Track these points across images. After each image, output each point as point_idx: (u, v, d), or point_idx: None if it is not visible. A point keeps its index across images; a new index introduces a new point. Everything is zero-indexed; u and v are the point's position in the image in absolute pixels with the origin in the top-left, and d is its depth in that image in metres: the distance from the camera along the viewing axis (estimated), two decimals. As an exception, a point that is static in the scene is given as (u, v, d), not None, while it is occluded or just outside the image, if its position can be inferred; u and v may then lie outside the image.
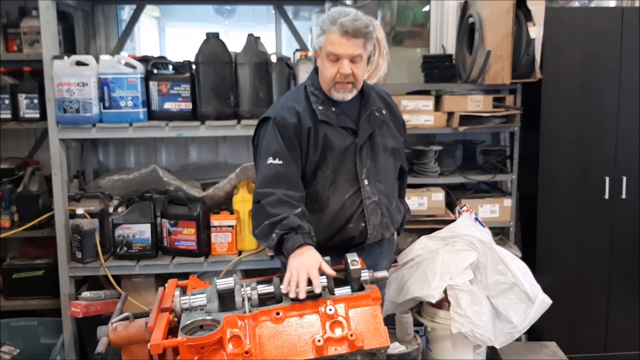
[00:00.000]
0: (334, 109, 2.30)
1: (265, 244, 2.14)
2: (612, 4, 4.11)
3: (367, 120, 2.34)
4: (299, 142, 2.27)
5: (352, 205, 2.31)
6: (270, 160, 2.22)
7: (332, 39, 2.18)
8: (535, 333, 3.50)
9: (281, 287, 1.80)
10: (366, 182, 2.33)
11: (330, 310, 1.68)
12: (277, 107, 2.38)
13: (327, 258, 1.87)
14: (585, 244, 3.63)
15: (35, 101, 3.43)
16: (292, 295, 1.79)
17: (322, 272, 1.88)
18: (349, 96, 2.29)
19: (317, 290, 1.80)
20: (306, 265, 1.87)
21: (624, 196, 3.58)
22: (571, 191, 3.59)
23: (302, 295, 1.79)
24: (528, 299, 3.04)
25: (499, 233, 3.71)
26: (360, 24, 2.16)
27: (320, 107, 2.29)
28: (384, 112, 2.41)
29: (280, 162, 2.22)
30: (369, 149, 2.35)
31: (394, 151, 2.45)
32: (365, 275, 1.83)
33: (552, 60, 3.45)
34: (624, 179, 3.57)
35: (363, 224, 2.32)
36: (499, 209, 3.58)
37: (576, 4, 3.98)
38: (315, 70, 2.39)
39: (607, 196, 3.58)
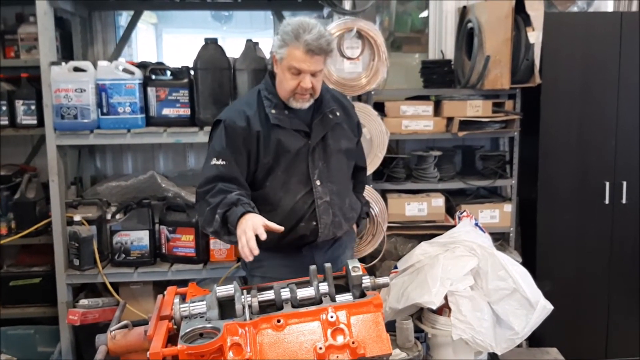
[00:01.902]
0: (286, 112, 2.37)
1: (211, 230, 2.24)
2: (610, 8, 4.11)
3: (320, 123, 2.40)
4: (246, 146, 2.34)
5: (303, 205, 2.38)
6: (213, 161, 2.31)
7: (296, 54, 2.23)
8: (537, 339, 3.48)
9: (282, 292, 1.78)
10: (318, 182, 2.39)
11: (331, 317, 1.66)
12: (230, 110, 2.46)
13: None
14: (586, 249, 3.62)
15: (33, 107, 3.41)
16: (248, 257, 1.96)
17: (268, 229, 2.00)
18: (306, 105, 2.36)
19: (263, 237, 1.96)
20: (249, 225, 2.01)
21: (624, 201, 3.57)
22: (571, 196, 3.58)
23: (255, 252, 1.95)
24: (529, 305, 3.02)
25: (499, 238, 3.69)
26: (324, 43, 2.23)
27: (273, 111, 2.35)
28: (337, 114, 2.46)
29: (223, 162, 2.30)
30: (321, 150, 2.41)
31: (348, 152, 2.51)
32: (366, 281, 1.81)
33: (552, 65, 3.44)
34: (624, 183, 3.56)
35: (314, 223, 2.39)
36: (499, 214, 3.57)
37: (575, 9, 3.99)
38: (270, 74, 2.45)
39: (607, 201, 3.57)
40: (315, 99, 2.40)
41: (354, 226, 2.70)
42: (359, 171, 2.71)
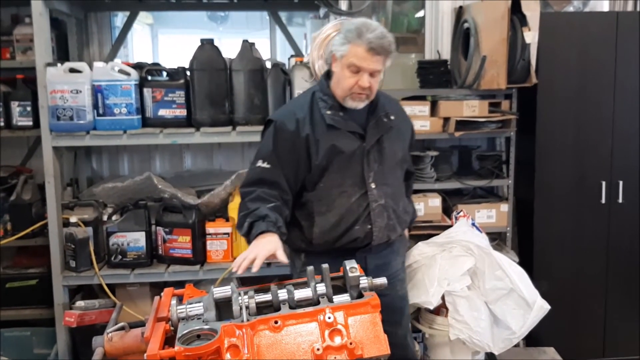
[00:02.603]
0: (342, 114, 2.38)
1: (241, 234, 2.28)
2: (606, 8, 4.12)
3: (375, 126, 2.41)
4: (295, 150, 2.35)
5: (358, 207, 2.39)
6: (259, 163, 2.35)
7: (358, 52, 2.25)
8: (534, 339, 3.49)
9: (279, 293, 1.77)
10: (373, 185, 2.40)
11: (329, 318, 1.66)
12: (282, 110, 2.50)
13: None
14: (582, 249, 3.63)
15: (29, 109, 3.40)
16: (234, 269, 2.00)
17: (273, 259, 2.07)
18: (361, 105, 2.37)
19: (254, 269, 1.98)
20: (258, 248, 2.07)
21: (620, 200, 3.58)
22: (568, 196, 3.59)
23: (240, 271, 1.98)
24: (526, 305, 3.03)
25: (496, 238, 3.69)
26: (386, 43, 2.26)
27: (329, 112, 2.36)
28: (392, 117, 2.47)
29: (268, 165, 2.34)
30: (376, 153, 2.42)
31: (402, 155, 2.54)
32: (364, 282, 1.81)
33: (548, 65, 3.45)
34: (621, 183, 3.57)
35: (369, 226, 2.39)
36: (495, 214, 3.57)
37: (571, 9, 3.99)
38: (325, 75, 2.46)
39: (603, 200, 3.58)
40: (371, 101, 2.41)
41: (406, 231, 2.72)
42: (410, 175, 2.74)
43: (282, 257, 2.08)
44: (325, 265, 1.83)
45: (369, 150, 2.40)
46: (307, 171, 2.38)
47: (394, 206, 2.47)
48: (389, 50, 2.28)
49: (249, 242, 2.20)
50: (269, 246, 2.08)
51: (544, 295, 3.07)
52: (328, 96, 2.39)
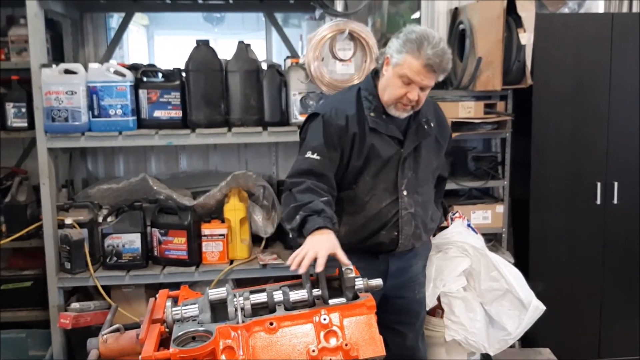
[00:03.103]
0: (384, 117, 2.35)
1: (289, 227, 2.16)
2: (601, 9, 4.13)
3: (414, 132, 2.38)
4: (342, 144, 2.32)
5: (387, 213, 2.36)
6: (308, 154, 2.28)
7: (413, 65, 2.19)
8: (529, 339, 3.49)
9: (275, 294, 1.77)
10: (405, 192, 2.37)
11: (324, 319, 1.66)
12: (328, 105, 2.43)
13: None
14: (578, 250, 3.63)
15: (23, 110, 3.39)
16: (293, 267, 1.87)
17: (334, 257, 1.90)
18: (404, 115, 2.34)
19: (318, 269, 1.82)
20: (318, 245, 1.92)
21: (615, 201, 3.59)
22: (563, 197, 3.59)
23: (301, 270, 1.84)
24: (522, 306, 3.04)
25: (492, 239, 3.70)
26: (445, 61, 2.20)
27: (372, 114, 2.33)
28: (432, 124, 2.43)
29: (318, 157, 2.27)
30: (412, 160, 2.39)
31: (436, 164, 2.50)
32: (359, 283, 1.81)
33: (543, 66, 3.45)
34: (616, 184, 3.58)
35: (395, 233, 2.37)
36: (491, 215, 3.58)
37: (566, 10, 4.00)
38: (374, 73, 2.43)
39: (599, 201, 3.58)
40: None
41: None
42: (442, 181, 2.71)
43: (344, 258, 1.91)
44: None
45: (406, 158, 2.37)
46: (344, 170, 2.35)
47: (423, 215, 2.43)
48: (445, 69, 2.22)
49: (299, 236, 2.08)
50: (328, 244, 1.94)
51: (539, 296, 3.07)
52: (373, 96, 2.35)
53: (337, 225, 2.12)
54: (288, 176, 2.31)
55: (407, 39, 2.22)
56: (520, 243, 3.73)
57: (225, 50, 3.52)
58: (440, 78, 2.28)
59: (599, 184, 3.58)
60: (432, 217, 2.52)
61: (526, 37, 3.32)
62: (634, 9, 4.06)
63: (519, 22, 3.33)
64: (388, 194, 2.36)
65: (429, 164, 2.45)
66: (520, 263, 3.40)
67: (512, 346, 3.35)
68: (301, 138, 2.46)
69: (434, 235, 2.78)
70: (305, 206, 2.08)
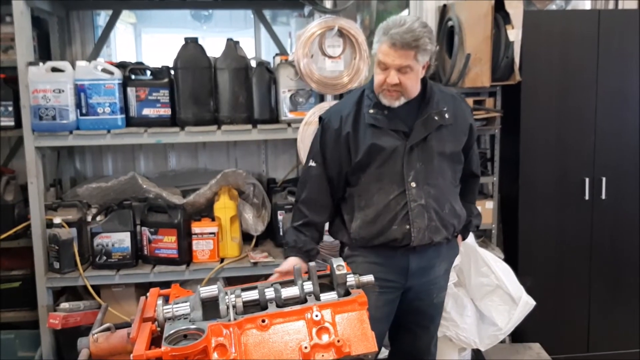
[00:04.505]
0: (386, 112, 2.37)
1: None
2: (588, 6, 4.16)
3: (422, 124, 2.37)
4: (337, 146, 2.42)
5: (396, 206, 2.35)
6: (310, 163, 2.48)
7: (383, 48, 2.27)
8: (519, 335, 3.51)
9: (266, 292, 1.77)
10: (413, 184, 2.35)
11: (316, 316, 1.65)
12: (332, 108, 2.56)
13: (313, 263, 1.85)
14: (567, 245, 3.65)
15: (10, 109, 3.35)
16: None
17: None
18: (396, 103, 2.34)
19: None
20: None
21: (603, 196, 3.61)
22: (552, 192, 3.61)
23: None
24: (512, 301, 3.06)
25: (481, 235, 3.72)
26: (410, 37, 2.22)
27: (371, 111, 2.37)
28: (446, 115, 2.41)
29: (315, 164, 2.46)
30: (420, 151, 2.37)
31: (453, 155, 2.46)
32: (351, 280, 1.80)
33: (531, 63, 3.47)
34: (603, 179, 3.60)
35: (407, 227, 2.34)
36: (480, 211, 3.58)
37: (553, 7, 4.02)
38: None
39: (587, 197, 3.61)
40: (422, 98, 2.39)
41: (459, 237, 2.63)
42: (471, 178, 2.66)
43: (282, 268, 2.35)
44: (312, 264, 1.83)
45: (412, 148, 2.35)
46: (348, 167, 2.41)
47: (437, 207, 2.38)
48: (414, 45, 2.22)
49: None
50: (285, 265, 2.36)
51: (529, 291, 3.10)
52: (373, 94, 2.39)
53: (309, 244, 2.45)
54: (298, 183, 2.56)
55: (379, 28, 2.30)
56: (509, 239, 3.75)
57: (213, 48, 3.50)
58: (421, 58, 2.26)
59: (587, 180, 3.60)
60: (452, 212, 2.44)
61: (514, 34, 3.33)
62: (620, 6, 4.09)
63: (507, 19, 3.34)
64: (395, 186, 2.36)
65: (442, 155, 2.41)
66: (510, 259, 3.42)
67: (503, 341, 3.37)
68: None
69: (464, 238, 2.69)
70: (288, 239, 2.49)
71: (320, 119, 2.52)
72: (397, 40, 2.21)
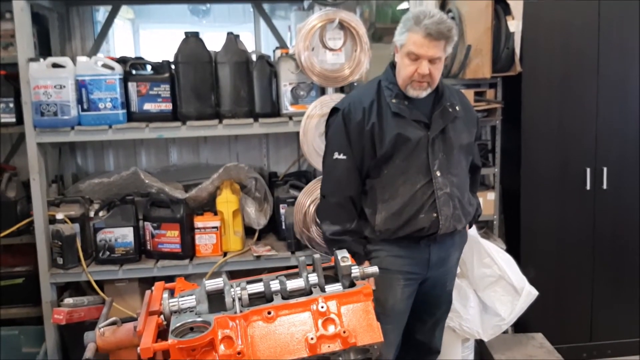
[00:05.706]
0: (406, 103, 2.39)
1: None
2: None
3: (440, 115, 2.42)
4: (361, 138, 2.40)
5: (423, 195, 2.38)
6: (335, 155, 2.45)
7: (415, 39, 2.27)
8: (522, 325, 3.52)
9: (271, 284, 1.77)
10: (438, 173, 2.39)
11: (322, 307, 1.66)
12: (348, 99, 2.52)
13: (317, 255, 1.86)
14: (569, 235, 3.66)
15: (11, 105, 3.35)
16: None
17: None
18: (424, 94, 2.38)
19: None
20: None
21: (605, 187, 3.62)
22: (553, 183, 3.62)
23: None
24: (514, 291, 3.07)
25: (483, 227, 3.72)
26: (444, 28, 2.26)
27: (394, 101, 2.38)
28: (457, 108, 2.47)
29: (343, 157, 2.43)
30: (441, 142, 2.42)
31: (467, 146, 2.53)
32: (355, 271, 1.81)
33: (531, 54, 3.47)
34: (605, 169, 3.60)
35: (435, 215, 2.38)
36: (482, 202, 3.58)
37: (553, -3, 4.00)
38: (391, 65, 2.48)
39: (588, 187, 3.61)
40: (436, 90, 2.43)
41: (467, 226, 2.69)
42: (475, 169, 2.73)
43: None
44: (316, 256, 1.83)
45: (434, 139, 2.39)
46: (371, 159, 2.41)
47: (460, 196, 2.45)
48: (447, 36, 2.27)
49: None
50: None
51: (531, 281, 3.11)
52: (393, 84, 2.40)
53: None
54: (322, 180, 2.55)
55: (406, 19, 2.32)
56: (511, 230, 3.75)
57: (213, 43, 3.49)
58: (449, 49, 2.32)
59: (588, 170, 3.60)
60: (469, 201, 2.54)
61: (515, 25, 3.33)
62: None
63: (507, 10, 3.35)
64: (421, 176, 2.39)
65: (460, 146, 2.47)
66: (512, 249, 3.43)
67: (506, 332, 3.38)
68: (325, 132, 2.57)
69: (470, 227, 2.78)
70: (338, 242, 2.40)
71: (335, 109, 2.50)
72: (432, 30, 2.23)
